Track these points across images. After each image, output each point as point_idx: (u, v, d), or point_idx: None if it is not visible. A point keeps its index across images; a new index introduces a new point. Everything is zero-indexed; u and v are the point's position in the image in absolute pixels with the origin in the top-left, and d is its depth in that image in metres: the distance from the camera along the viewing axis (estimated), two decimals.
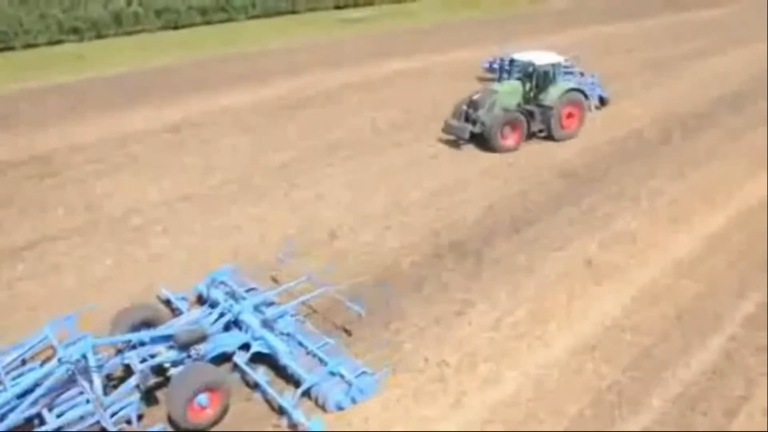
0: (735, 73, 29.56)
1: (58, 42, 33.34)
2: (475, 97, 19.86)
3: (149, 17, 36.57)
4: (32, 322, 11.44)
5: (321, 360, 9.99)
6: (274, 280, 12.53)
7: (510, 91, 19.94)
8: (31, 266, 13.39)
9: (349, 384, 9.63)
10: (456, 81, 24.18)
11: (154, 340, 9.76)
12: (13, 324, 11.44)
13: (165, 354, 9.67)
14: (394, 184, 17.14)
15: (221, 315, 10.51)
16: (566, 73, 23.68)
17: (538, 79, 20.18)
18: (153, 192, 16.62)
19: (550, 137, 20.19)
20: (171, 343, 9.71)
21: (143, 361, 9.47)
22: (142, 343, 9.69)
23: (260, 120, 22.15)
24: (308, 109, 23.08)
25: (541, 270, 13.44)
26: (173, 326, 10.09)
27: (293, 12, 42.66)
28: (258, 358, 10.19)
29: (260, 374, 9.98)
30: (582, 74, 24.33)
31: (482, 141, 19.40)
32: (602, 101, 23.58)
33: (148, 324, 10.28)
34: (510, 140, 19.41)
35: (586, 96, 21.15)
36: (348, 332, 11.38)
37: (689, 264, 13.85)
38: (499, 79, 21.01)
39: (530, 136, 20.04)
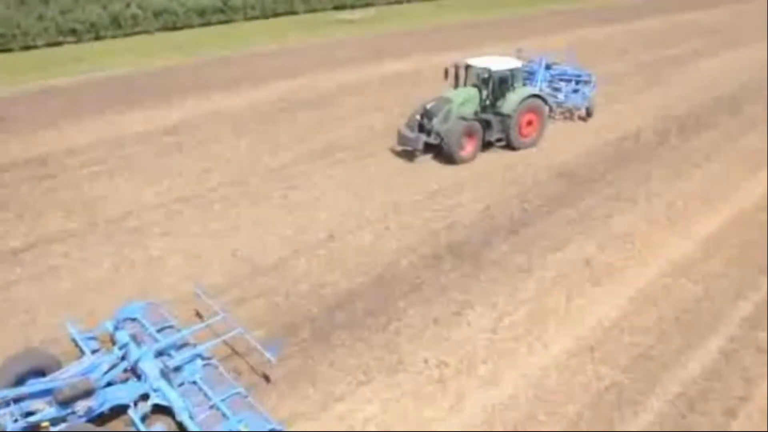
0: (730, 75, 29.62)
1: (56, 44, 33.31)
2: (429, 105, 18.86)
3: (147, 19, 36.53)
4: (29, 326, 11.46)
5: (224, 414, 8.84)
6: (199, 315, 11.42)
7: (466, 99, 18.83)
8: (27, 269, 13.34)
9: None
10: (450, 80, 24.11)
11: (33, 395, 8.55)
12: (9, 328, 11.40)
13: (44, 411, 8.49)
14: (392, 185, 17.14)
15: (113, 365, 9.39)
16: (560, 79, 23.52)
17: (494, 85, 19.14)
18: (150, 194, 16.59)
19: (509, 146, 19.37)
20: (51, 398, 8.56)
21: (16, 420, 8.29)
22: (20, 399, 8.49)
23: (257, 122, 22.13)
24: (305, 111, 23.06)
25: (539, 271, 13.45)
26: (57, 378, 8.95)
27: (291, 13, 42.67)
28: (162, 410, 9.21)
29: (158, 427, 8.88)
30: (578, 79, 23.52)
31: (438, 151, 18.62)
32: (588, 113, 22.57)
33: (38, 373, 9.12)
34: (467, 150, 18.56)
35: (546, 102, 20.18)
36: (267, 378, 10.31)
37: (687, 265, 13.86)
38: (455, 86, 19.66)
39: (487, 145, 19.15)
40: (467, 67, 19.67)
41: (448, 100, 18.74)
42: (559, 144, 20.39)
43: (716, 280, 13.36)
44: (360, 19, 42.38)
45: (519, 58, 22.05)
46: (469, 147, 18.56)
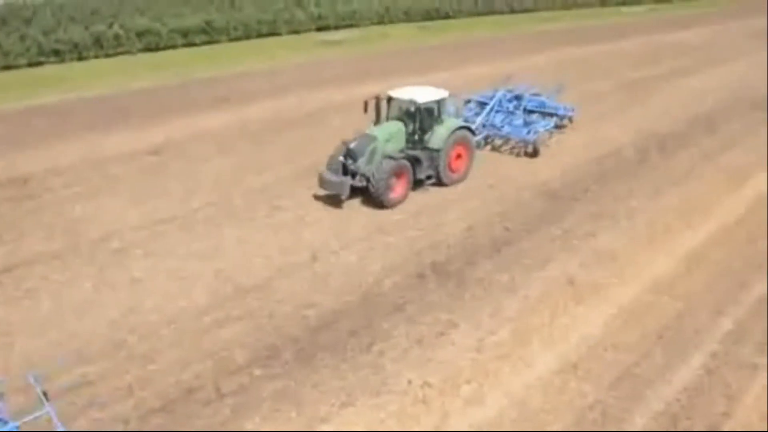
0: (709, 93, 30.14)
1: (38, 63, 33.14)
2: (352, 144, 17.14)
3: (131, 39, 36.47)
4: (7, 349, 11.29)
5: None
6: (45, 395, 9.78)
7: (391, 135, 17.37)
8: (7, 291, 13.16)
9: None
10: None
11: None
12: None
13: None
14: (375, 205, 17.12)
15: None
16: (531, 112, 22.52)
17: (421, 118, 17.86)
18: (133, 215, 16.48)
19: (439, 183, 18.20)
20: None
21: None
22: None
23: (242, 142, 22.13)
24: (290, 131, 23.12)
25: (523, 290, 13.49)
26: None
27: (275, 34, 42.89)
28: None
29: None
30: (552, 113, 22.80)
31: (366, 194, 17.11)
32: (534, 150, 21.02)
33: None
34: (397, 192, 17.10)
35: (474, 133, 19.33)
36: None
37: (669, 282, 13.97)
38: (377, 121, 18.07)
39: (417, 183, 17.81)
40: (389, 99, 18.23)
41: (372, 138, 17.15)
42: (542, 162, 20.58)
43: (698, 296, 13.47)
44: (343, 40, 42.69)
45: (505, 84, 22.51)
46: (399, 188, 17.14)
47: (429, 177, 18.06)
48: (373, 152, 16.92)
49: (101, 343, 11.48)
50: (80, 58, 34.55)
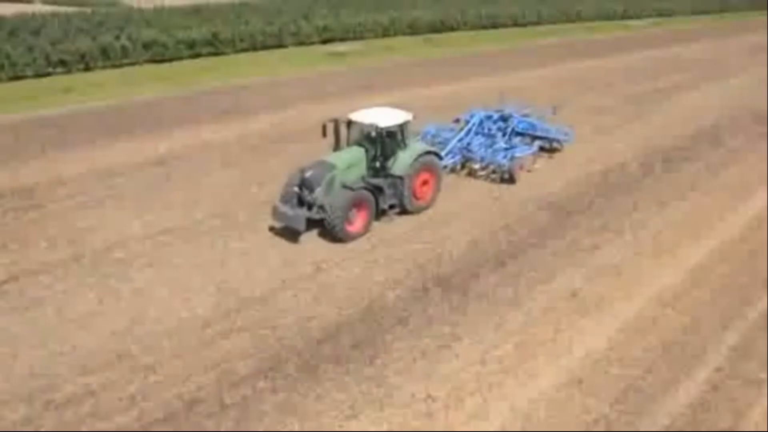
0: (711, 108, 30.21)
1: (46, 74, 33.42)
2: (308, 173, 15.82)
3: (137, 50, 36.79)
4: (11, 359, 11.28)
5: None
6: None
7: (351, 163, 16.20)
8: (11, 301, 13.17)
9: None
10: (439, 114, 24.34)
11: None
12: None
13: None
14: (379, 218, 17.10)
15: None
16: (519, 134, 21.67)
17: (383, 144, 16.66)
18: (137, 226, 16.52)
19: (403, 212, 17.06)
20: None
21: None
22: None
23: (245, 154, 22.19)
24: (294, 143, 23.14)
25: (527, 303, 13.44)
26: None
27: (280, 46, 43.17)
28: None
29: None
30: (542, 136, 21.98)
31: (322, 227, 15.87)
32: (510, 176, 19.75)
33: None
34: (356, 225, 15.85)
35: (440, 158, 18.37)
36: None
37: (674, 295, 13.92)
38: (336, 147, 17.02)
39: (380, 213, 16.57)
40: (350, 123, 17.02)
41: (330, 166, 15.94)
42: (546, 176, 20.58)
43: (703, 310, 13.41)
44: (348, 52, 42.91)
45: (499, 103, 21.89)
46: (359, 221, 15.88)
47: (393, 206, 16.83)
48: (331, 181, 15.73)
49: (104, 354, 11.46)
50: (87, 69, 34.86)
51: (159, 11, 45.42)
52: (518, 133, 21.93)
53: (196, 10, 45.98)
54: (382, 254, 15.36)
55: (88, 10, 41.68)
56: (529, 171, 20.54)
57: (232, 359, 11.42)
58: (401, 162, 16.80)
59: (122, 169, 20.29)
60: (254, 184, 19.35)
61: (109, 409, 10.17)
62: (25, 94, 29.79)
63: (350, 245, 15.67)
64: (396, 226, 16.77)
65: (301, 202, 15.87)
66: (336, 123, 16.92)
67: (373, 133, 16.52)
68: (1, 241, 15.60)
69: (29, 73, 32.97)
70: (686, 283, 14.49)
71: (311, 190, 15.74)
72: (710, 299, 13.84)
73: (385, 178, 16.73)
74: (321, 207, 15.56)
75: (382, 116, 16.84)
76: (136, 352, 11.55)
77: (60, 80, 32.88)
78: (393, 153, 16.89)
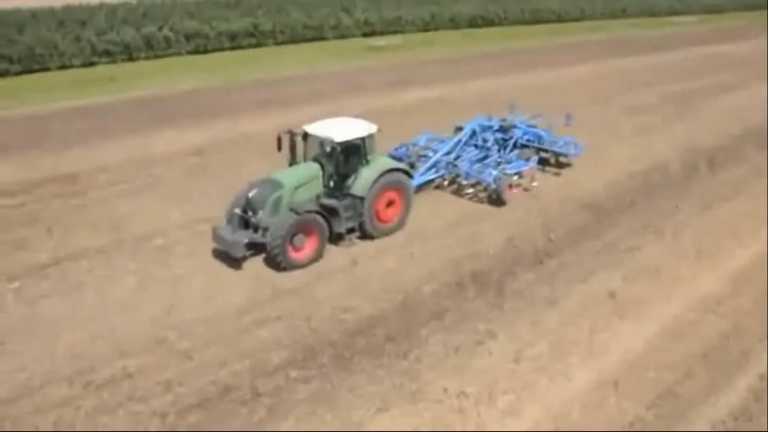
0: (757, 108, 29.28)
1: (91, 64, 34.26)
2: (251, 193, 14.26)
3: (179, 41, 37.41)
4: (53, 342, 11.57)
5: None
6: None
7: (302, 181, 14.54)
8: (54, 284, 13.52)
9: None
10: (475, 110, 24.13)
11: None
12: (33, 342, 11.52)
13: None
14: (415, 212, 17.00)
15: None
16: (524, 145, 19.95)
17: (340, 159, 14.81)
18: (176, 214, 16.76)
19: (364, 236, 15.38)
20: None
21: None
22: None
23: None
24: None
25: (563, 302, 13.26)
26: None
27: (321, 39, 43.36)
28: None
29: None
30: (546, 148, 20.21)
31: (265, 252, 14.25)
32: (497, 195, 17.66)
33: None
34: (304, 252, 14.10)
35: (409, 175, 16.39)
36: None
37: (715, 300, 13.57)
38: (292, 161, 15.42)
39: (336, 237, 14.87)
40: (305, 135, 15.34)
41: (276, 185, 14.34)
42: (586, 174, 20.23)
43: (745, 316, 13.05)
44: (388, 46, 42.87)
45: (509, 115, 20.69)
46: (306, 248, 14.12)
47: (352, 230, 15.14)
48: (276, 202, 14.12)
49: (142, 339, 11.68)
50: (131, 59, 35.64)
51: (201, 3, 45.96)
52: (523, 145, 20.20)
53: (237, 2, 46.42)
54: (418, 248, 15.29)
55: (133, 1, 42.46)
56: (526, 190, 18.61)
57: (267, 348, 11.52)
58: (362, 180, 14.99)
59: (163, 158, 20.63)
60: None
61: (145, 392, 10.36)
62: (71, 83, 30.56)
63: (385, 238, 15.63)
64: (432, 222, 16.61)
65: (246, 224, 14.38)
66: (291, 135, 15.28)
67: (328, 149, 14.70)
68: (45, 225, 16.00)
69: (76, 62, 33.86)
70: (728, 288, 14.12)
71: (255, 212, 14.16)
72: (753, 305, 13.46)
73: (343, 198, 14.98)
74: (266, 230, 13.98)
75: (342, 129, 15.07)
76: (173, 338, 11.73)
77: (105, 70, 33.65)
78: (354, 170, 15.09)
